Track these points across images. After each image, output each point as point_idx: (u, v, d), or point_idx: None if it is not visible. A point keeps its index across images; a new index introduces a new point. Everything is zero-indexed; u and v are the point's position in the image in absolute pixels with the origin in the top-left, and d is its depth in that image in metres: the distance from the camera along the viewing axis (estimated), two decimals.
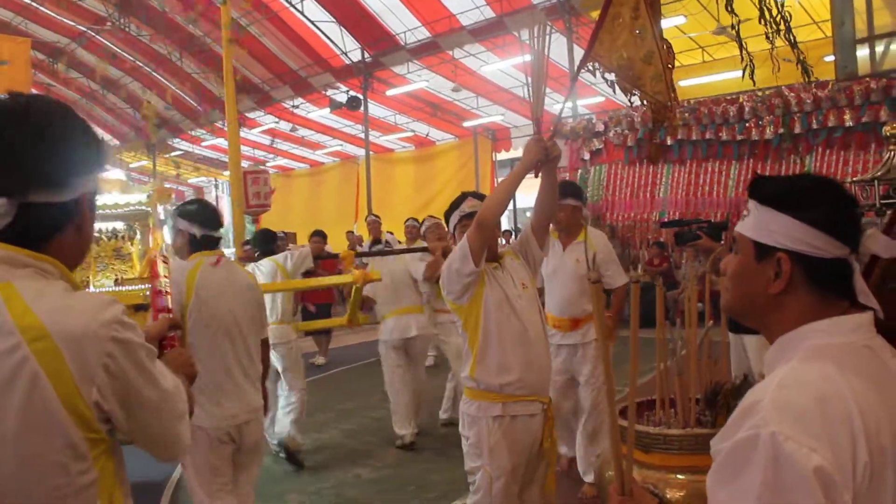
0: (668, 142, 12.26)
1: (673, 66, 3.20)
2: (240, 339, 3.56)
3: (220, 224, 3.72)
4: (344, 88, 19.22)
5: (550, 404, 3.31)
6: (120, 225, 5.77)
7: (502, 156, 21.85)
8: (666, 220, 12.42)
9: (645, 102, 3.26)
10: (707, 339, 2.82)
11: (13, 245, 1.37)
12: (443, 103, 19.89)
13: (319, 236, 7.86)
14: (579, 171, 14.50)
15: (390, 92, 18.83)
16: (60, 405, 1.30)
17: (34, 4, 19.45)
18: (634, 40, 3.14)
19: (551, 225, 3.59)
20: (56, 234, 1.42)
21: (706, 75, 14.71)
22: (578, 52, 14.77)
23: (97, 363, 1.33)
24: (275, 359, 5.74)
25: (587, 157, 14.47)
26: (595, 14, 14.13)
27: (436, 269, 5.38)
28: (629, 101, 3.30)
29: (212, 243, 3.64)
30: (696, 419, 2.57)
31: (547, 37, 3.24)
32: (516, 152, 20.89)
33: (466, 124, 20.75)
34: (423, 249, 6.20)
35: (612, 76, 3.16)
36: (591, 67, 3.15)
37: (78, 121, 1.47)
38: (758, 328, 1.40)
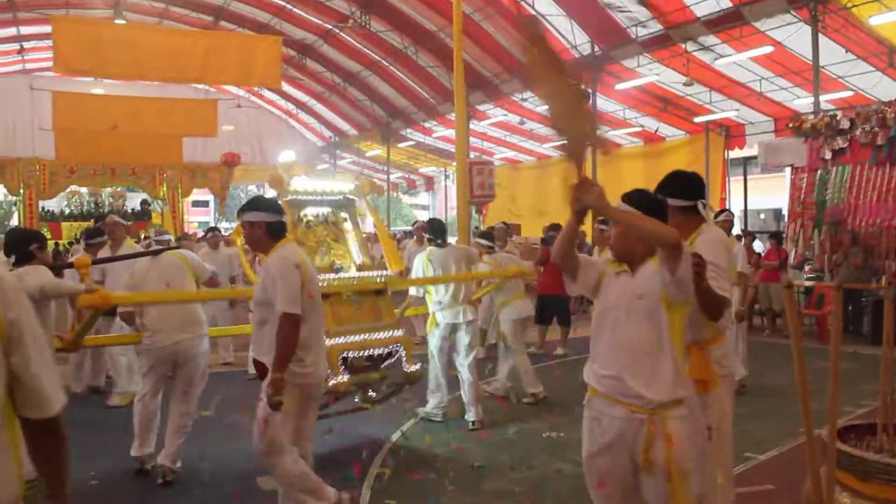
0: None
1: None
2: None
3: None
4: (573, 82, 19.12)
5: (658, 416, 3.06)
6: (326, 210, 6.11)
7: (735, 153, 20.81)
8: None
9: None
10: None
11: None
12: (673, 98, 19.29)
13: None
14: (819, 171, 13.51)
15: (619, 86, 18.53)
16: None
17: (288, 6, 21.07)
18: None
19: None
20: None
21: None
22: (824, 42, 13.80)
23: None
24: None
25: (828, 156, 13.42)
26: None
27: None
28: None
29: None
30: None
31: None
32: (751, 150, 19.82)
33: (698, 120, 19.96)
34: None
35: None
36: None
37: None
38: None
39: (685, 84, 17.41)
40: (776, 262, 12.56)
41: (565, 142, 3.31)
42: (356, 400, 6.29)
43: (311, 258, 4.87)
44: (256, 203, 4.40)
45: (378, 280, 6.01)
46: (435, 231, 7.30)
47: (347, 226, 6.18)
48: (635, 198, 3.20)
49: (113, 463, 5.74)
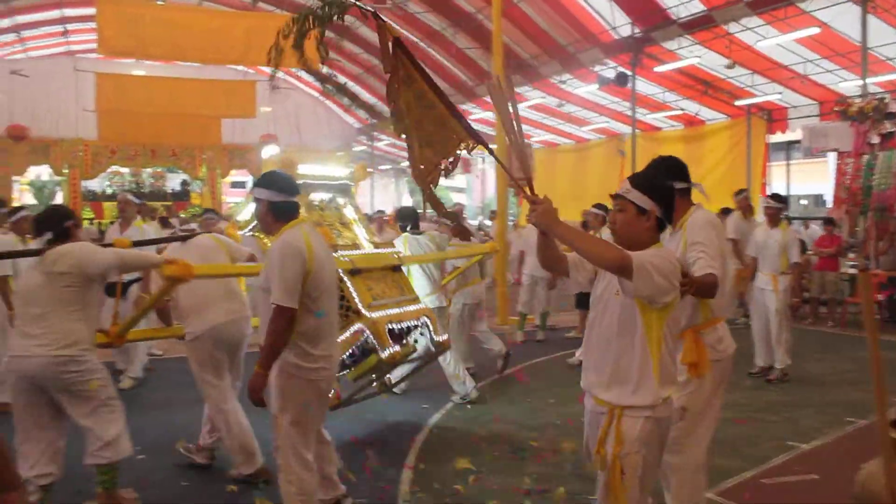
0: None
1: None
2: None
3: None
4: (612, 64, 18.96)
5: (616, 412, 3.02)
6: (328, 195, 6.14)
7: (777, 137, 20.45)
8: None
9: None
10: None
11: None
12: (715, 81, 18.98)
13: None
14: (865, 156, 13.24)
15: (659, 68, 18.28)
16: None
17: None
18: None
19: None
20: None
21: None
22: (873, 23, 13.49)
23: None
24: None
25: (875, 140, 13.14)
26: None
27: None
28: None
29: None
30: None
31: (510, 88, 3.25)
32: (793, 134, 19.47)
33: (739, 103, 19.63)
34: None
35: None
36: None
37: None
38: None
39: (727, 67, 17.10)
40: (832, 249, 12.35)
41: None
42: (373, 386, 6.16)
43: (327, 239, 4.56)
44: (265, 179, 4.02)
45: (394, 256, 6.11)
46: (405, 217, 7.46)
47: (348, 210, 6.24)
48: (640, 182, 3.11)
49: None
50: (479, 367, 8.35)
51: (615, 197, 3.14)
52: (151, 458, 5.49)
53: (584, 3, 17.24)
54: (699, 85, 19.40)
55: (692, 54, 17.22)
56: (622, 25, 17.58)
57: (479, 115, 25.87)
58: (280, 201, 3.94)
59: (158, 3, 17.93)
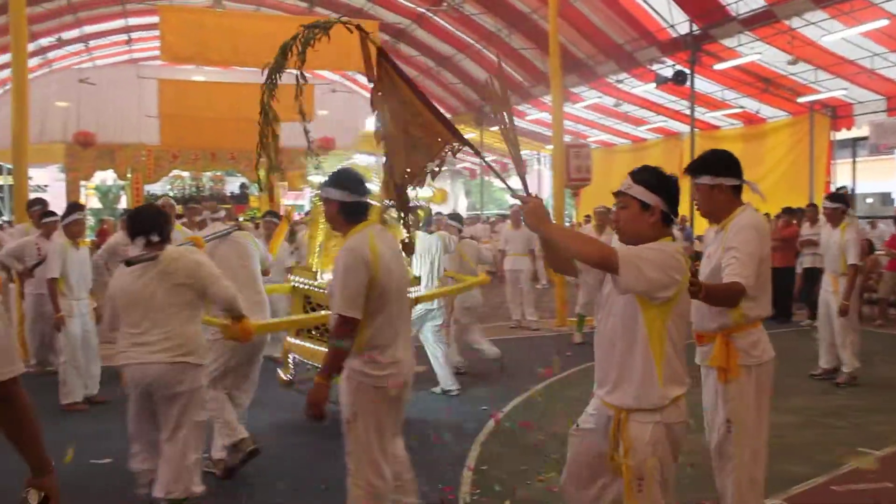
0: None
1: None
2: None
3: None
4: (670, 63, 18.71)
5: (622, 416, 2.96)
6: None
7: (842, 135, 19.92)
8: None
9: None
10: None
11: None
12: (776, 77, 18.56)
13: None
14: None
15: (718, 66, 17.94)
16: None
17: None
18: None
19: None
20: None
21: None
22: None
23: None
24: None
25: None
26: None
27: None
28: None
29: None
30: None
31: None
32: (859, 131, 18.95)
33: (802, 100, 19.17)
34: None
35: None
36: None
37: None
38: None
39: (789, 63, 16.74)
40: None
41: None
42: None
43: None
44: (336, 178, 3.87)
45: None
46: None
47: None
48: (642, 177, 3.04)
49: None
50: (527, 371, 8.31)
51: (617, 194, 3.09)
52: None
53: (642, 1, 17.03)
54: (759, 82, 19.01)
55: (752, 51, 16.89)
56: (680, 23, 17.33)
57: (535, 116, 25.79)
58: (352, 202, 3.79)
59: (218, 10, 18.25)
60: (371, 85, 3.79)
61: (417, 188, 3.67)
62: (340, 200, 3.78)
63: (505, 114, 3.23)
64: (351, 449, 3.71)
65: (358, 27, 3.81)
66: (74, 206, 7.47)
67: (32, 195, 10.00)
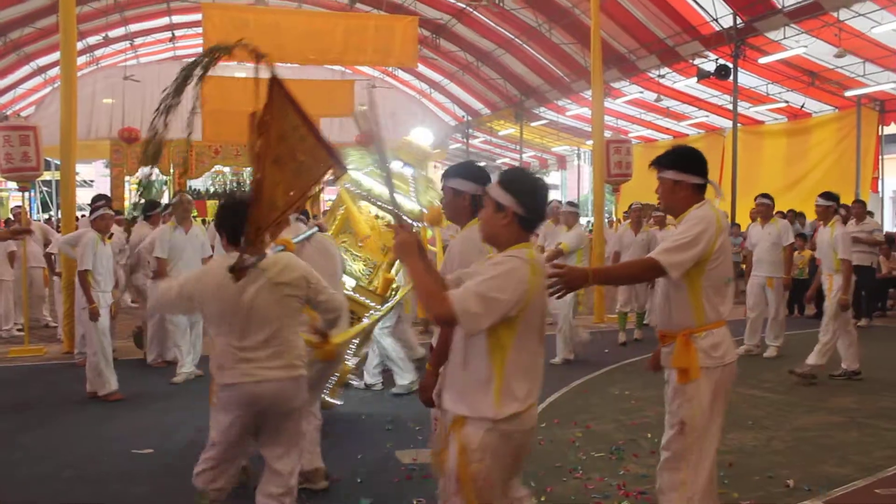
0: None
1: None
2: None
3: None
4: (712, 57, 18.48)
5: (458, 419, 2.90)
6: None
7: (891, 129, 19.49)
8: None
9: None
10: None
11: None
12: (822, 71, 18.23)
13: None
14: None
15: (763, 60, 17.69)
16: None
17: None
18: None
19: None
20: None
21: None
22: None
23: None
24: None
25: None
26: None
27: None
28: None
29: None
30: None
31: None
32: None
33: (849, 94, 18.79)
34: None
35: None
36: None
37: None
38: None
39: (836, 56, 16.42)
40: None
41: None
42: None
43: None
44: (469, 171, 3.82)
45: None
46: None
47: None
48: (502, 178, 2.97)
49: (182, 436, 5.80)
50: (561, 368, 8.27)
51: (484, 194, 3.05)
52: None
53: None
54: (805, 76, 18.70)
55: (798, 44, 16.60)
56: (724, 16, 17.10)
57: (576, 111, 25.64)
58: (480, 195, 3.54)
59: (261, 6, 18.44)
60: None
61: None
62: (473, 193, 3.71)
63: (377, 146, 3.18)
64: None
65: (256, 53, 3.77)
66: (100, 199, 7.59)
67: (79, 191, 10.22)
